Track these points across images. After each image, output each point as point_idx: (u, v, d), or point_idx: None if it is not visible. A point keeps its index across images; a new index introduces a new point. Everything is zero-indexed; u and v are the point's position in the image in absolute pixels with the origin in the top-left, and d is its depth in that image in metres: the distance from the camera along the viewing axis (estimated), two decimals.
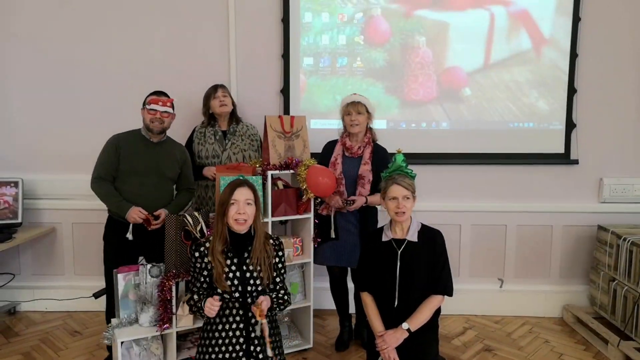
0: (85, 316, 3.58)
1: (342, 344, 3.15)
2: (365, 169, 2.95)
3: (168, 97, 2.85)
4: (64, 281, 3.70)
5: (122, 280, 2.55)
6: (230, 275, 2.10)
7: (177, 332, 2.61)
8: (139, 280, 2.53)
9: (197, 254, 2.15)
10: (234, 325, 2.10)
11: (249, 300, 2.11)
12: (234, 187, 2.14)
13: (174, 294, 2.51)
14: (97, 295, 2.84)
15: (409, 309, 2.22)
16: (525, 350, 3.17)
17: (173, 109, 2.84)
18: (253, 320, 2.08)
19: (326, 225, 3.00)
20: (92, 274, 3.63)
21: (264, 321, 2.02)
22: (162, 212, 2.76)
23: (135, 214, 2.71)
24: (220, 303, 2.07)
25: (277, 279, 2.23)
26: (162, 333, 2.54)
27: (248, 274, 2.11)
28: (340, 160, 3.00)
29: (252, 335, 2.10)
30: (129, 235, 2.73)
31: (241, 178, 2.24)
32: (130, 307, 2.58)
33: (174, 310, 2.53)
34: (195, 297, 2.13)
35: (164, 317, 2.50)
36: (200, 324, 2.66)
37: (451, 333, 3.40)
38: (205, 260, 2.13)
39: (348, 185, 2.98)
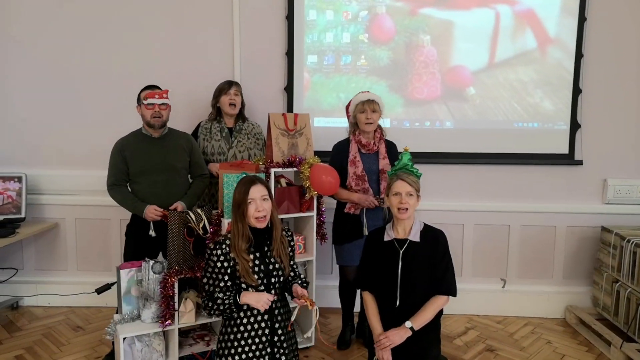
0: (88, 312, 3.59)
1: (344, 342, 3.15)
2: (386, 163, 2.97)
3: (161, 89, 2.85)
4: (66, 276, 3.71)
5: (125, 276, 2.56)
6: (256, 269, 2.11)
7: (179, 329, 2.62)
8: (141, 276, 2.53)
9: (218, 252, 2.09)
10: (259, 317, 2.11)
11: (272, 292, 2.13)
12: (247, 186, 2.11)
13: (176, 290, 2.52)
14: (99, 290, 2.84)
15: (411, 309, 2.21)
16: (527, 350, 3.16)
17: (169, 100, 2.85)
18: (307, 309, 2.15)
19: (351, 224, 2.98)
20: (94, 270, 3.66)
21: (316, 307, 2.15)
22: (179, 205, 2.80)
23: (151, 213, 2.75)
24: (274, 297, 2.10)
25: (295, 266, 2.28)
26: (164, 329, 2.54)
27: (271, 267, 2.14)
28: (359, 158, 3.00)
29: (276, 325, 2.13)
30: (152, 232, 2.77)
31: (250, 175, 2.24)
32: (133, 303, 2.58)
33: (176, 306, 2.53)
34: (221, 295, 2.07)
35: (166, 314, 2.50)
36: (202, 321, 2.67)
37: (453, 333, 3.39)
38: (229, 257, 2.09)
39: (371, 180, 2.98)
